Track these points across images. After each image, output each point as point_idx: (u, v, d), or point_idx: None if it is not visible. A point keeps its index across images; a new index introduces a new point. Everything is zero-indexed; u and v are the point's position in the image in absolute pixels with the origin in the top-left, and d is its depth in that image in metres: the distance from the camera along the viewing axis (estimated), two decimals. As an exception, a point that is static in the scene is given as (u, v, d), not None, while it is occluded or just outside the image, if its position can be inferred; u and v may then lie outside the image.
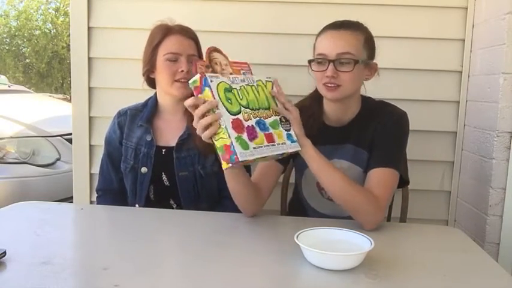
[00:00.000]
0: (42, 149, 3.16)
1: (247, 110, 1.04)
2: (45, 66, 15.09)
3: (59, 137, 3.23)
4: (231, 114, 1.01)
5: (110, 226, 1.29)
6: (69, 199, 2.46)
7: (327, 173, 1.19)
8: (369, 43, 1.30)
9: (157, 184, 1.51)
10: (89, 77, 1.96)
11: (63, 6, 15.40)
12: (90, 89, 1.97)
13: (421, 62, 1.86)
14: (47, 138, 3.20)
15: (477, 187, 1.74)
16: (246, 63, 1.16)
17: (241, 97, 1.04)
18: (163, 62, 1.46)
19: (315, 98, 1.40)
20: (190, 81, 1.03)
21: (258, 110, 1.07)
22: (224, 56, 1.12)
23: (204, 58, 1.08)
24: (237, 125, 1.01)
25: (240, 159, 0.98)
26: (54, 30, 15.56)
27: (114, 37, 1.94)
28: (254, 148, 1.01)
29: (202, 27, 1.83)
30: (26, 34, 15.30)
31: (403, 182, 1.36)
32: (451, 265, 1.00)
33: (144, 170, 1.49)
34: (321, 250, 0.92)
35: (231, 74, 1.08)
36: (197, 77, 1.01)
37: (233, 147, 0.98)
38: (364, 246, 0.96)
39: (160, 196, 1.52)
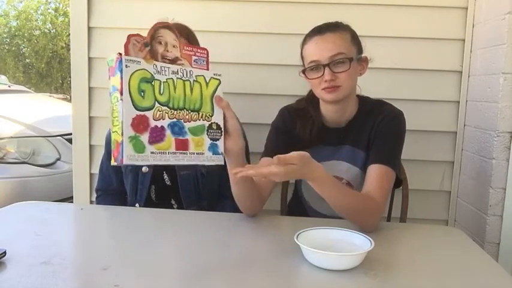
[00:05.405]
0: (42, 149, 3.16)
1: (164, 107, 0.90)
2: (45, 66, 15.11)
3: (59, 137, 3.23)
4: (137, 109, 0.86)
5: (110, 226, 1.29)
6: (69, 199, 2.46)
7: (327, 192, 1.14)
8: (355, 39, 1.31)
9: (158, 184, 1.51)
10: (89, 77, 1.96)
11: (63, 6, 15.42)
12: (90, 89, 1.97)
13: (421, 62, 1.86)
14: (47, 138, 3.20)
15: (477, 187, 1.74)
16: (205, 49, 1.01)
17: (162, 91, 0.89)
18: None
19: (310, 100, 1.40)
20: (108, 59, 0.87)
21: (181, 110, 0.93)
22: (176, 35, 0.95)
23: (147, 34, 0.92)
24: (139, 123, 0.87)
25: (124, 163, 0.85)
26: (54, 30, 15.57)
27: (114, 37, 1.94)
28: (152, 153, 0.89)
29: (202, 27, 1.83)
30: (26, 34, 15.33)
31: (398, 182, 1.36)
32: (451, 265, 1.00)
33: (145, 169, 1.49)
34: (321, 250, 0.92)
35: (168, 59, 0.93)
36: (115, 55, 0.86)
37: (122, 147, 0.85)
38: (364, 246, 0.96)
39: (162, 196, 1.52)
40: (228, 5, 1.89)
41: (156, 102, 0.89)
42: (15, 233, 1.12)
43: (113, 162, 0.88)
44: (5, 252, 0.92)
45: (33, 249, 1.00)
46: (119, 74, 0.85)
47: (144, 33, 0.92)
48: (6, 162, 3.00)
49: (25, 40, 15.44)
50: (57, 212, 1.35)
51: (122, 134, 0.85)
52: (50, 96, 7.09)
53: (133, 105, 0.86)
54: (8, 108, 3.56)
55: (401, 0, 1.84)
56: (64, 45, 14.85)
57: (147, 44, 0.90)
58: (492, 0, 1.70)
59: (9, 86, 5.05)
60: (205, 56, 1.00)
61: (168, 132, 0.91)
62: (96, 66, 1.96)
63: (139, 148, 0.87)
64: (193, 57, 0.98)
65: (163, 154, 0.91)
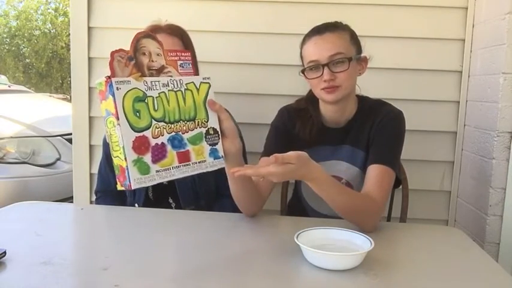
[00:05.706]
0: (42, 149, 3.16)
1: (161, 123, 0.89)
2: (45, 66, 15.13)
3: (59, 137, 3.23)
4: (135, 131, 0.85)
5: (110, 226, 1.29)
6: (69, 199, 2.46)
7: (325, 192, 1.14)
8: (354, 39, 1.31)
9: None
10: (89, 77, 1.96)
11: (63, 6, 15.44)
12: (90, 89, 1.97)
13: (421, 62, 1.86)
14: (47, 138, 3.20)
15: (477, 187, 1.74)
16: (188, 52, 0.99)
17: (156, 107, 0.89)
18: None
19: (310, 100, 1.40)
20: (96, 82, 0.86)
21: (178, 122, 0.93)
22: (158, 42, 0.93)
23: (129, 46, 0.89)
24: (140, 144, 0.86)
25: (133, 188, 0.85)
26: (54, 30, 15.59)
27: (114, 37, 1.94)
28: (158, 172, 0.89)
29: (202, 27, 1.84)
30: (26, 34, 15.36)
31: (397, 181, 1.35)
32: (451, 265, 1.00)
33: None
34: (321, 250, 0.92)
35: (155, 69, 0.92)
36: (103, 79, 0.84)
37: (128, 172, 0.85)
38: (364, 246, 0.96)
39: (159, 195, 1.52)
40: (228, 5, 1.89)
41: (153, 120, 0.88)
42: (15, 233, 1.11)
43: (119, 188, 0.88)
44: (5, 252, 0.92)
45: (33, 249, 1.00)
46: (111, 97, 0.83)
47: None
48: (6, 162, 3.00)
49: (25, 40, 15.46)
50: (57, 212, 1.35)
51: (125, 159, 0.84)
52: (50, 96, 7.10)
53: (131, 127, 0.85)
54: (8, 108, 3.57)
55: (401, 0, 1.84)
56: (64, 45, 14.87)
57: (132, 58, 0.88)
58: (492, 0, 1.70)
59: (9, 86, 5.05)
60: (190, 58, 0.99)
61: (169, 147, 0.91)
62: (96, 66, 1.96)
63: (144, 170, 0.87)
64: (179, 62, 0.97)
65: (168, 170, 0.91)
